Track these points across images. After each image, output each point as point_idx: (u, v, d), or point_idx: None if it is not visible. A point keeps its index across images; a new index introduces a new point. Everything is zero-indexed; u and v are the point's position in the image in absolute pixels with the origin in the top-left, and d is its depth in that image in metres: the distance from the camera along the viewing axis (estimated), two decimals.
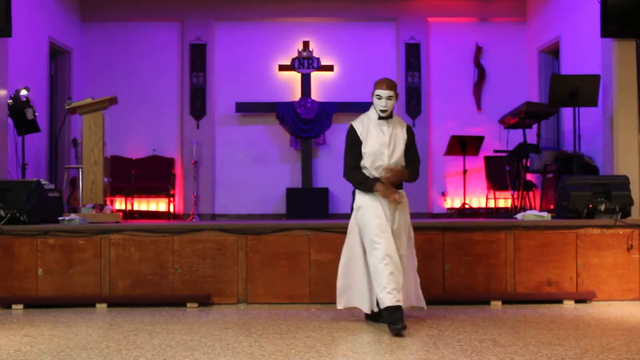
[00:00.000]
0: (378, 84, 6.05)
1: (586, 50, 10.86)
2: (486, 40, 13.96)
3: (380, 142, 5.99)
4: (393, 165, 5.98)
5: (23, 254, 7.43)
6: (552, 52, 12.93)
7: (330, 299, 7.13)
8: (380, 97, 6.00)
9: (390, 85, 6.04)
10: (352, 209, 6.17)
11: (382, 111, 6.00)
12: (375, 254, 5.79)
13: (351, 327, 5.94)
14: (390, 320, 5.59)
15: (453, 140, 12.48)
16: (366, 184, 5.99)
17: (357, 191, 6.13)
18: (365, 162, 6.02)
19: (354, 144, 6.05)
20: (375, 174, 5.99)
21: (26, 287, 7.42)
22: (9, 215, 7.69)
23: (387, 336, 5.50)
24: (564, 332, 5.71)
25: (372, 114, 6.12)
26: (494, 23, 14.09)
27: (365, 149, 5.99)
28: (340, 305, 6.10)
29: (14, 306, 7.27)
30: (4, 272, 7.40)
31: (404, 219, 6.08)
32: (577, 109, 9.48)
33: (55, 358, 4.81)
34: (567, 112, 11.29)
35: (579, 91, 9.36)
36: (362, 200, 6.06)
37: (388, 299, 5.64)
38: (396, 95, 6.06)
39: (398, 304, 5.64)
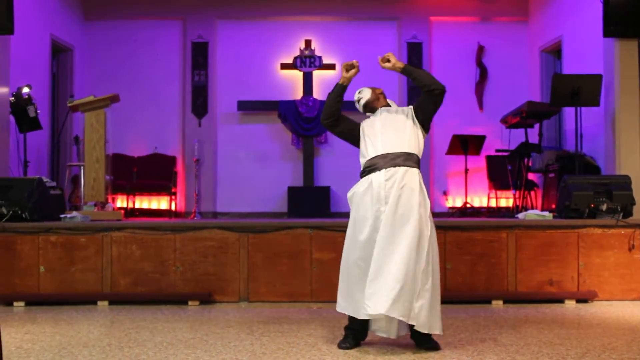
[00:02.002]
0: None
1: (588, 50, 10.85)
2: (488, 39, 13.94)
3: (374, 134, 5.27)
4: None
5: (25, 252, 7.44)
6: (554, 52, 12.93)
7: (331, 297, 7.12)
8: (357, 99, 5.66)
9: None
10: None
11: (358, 101, 5.64)
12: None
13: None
14: None
15: (455, 139, 12.47)
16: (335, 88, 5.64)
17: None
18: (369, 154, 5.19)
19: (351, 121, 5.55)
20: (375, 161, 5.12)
21: (28, 284, 7.43)
22: (10, 212, 7.71)
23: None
24: (566, 331, 5.71)
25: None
26: (496, 22, 14.08)
27: (366, 147, 5.25)
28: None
29: (15, 303, 7.28)
30: (6, 270, 7.41)
31: (409, 207, 4.93)
32: (579, 108, 9.49)
33: (57, 355, 4.82)
34: (569, 112, 11.28)
35: (580, 91, 9.36)
36: (354, 191, 5.20)
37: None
38: (377, 93, 5.65)
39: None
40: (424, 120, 5.41)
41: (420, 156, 5.24)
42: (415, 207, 4.95)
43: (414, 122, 5.36)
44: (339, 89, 5.61)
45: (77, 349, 5.04)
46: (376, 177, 5.04)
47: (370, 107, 5.58)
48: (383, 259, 4.85)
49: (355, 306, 5.01)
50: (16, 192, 7.82)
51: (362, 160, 5.26)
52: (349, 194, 5.25)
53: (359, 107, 5.65)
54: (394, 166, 5.05)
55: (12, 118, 9.93)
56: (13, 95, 9.89)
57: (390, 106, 5.60)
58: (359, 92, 5.69)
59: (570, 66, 11.71)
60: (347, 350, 4.98)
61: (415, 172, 5.08)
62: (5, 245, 7.45)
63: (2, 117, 9.38)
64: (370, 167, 5.12)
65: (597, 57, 10.12)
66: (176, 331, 5.76)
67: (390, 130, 5.26)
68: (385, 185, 4.99)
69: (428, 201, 5.11)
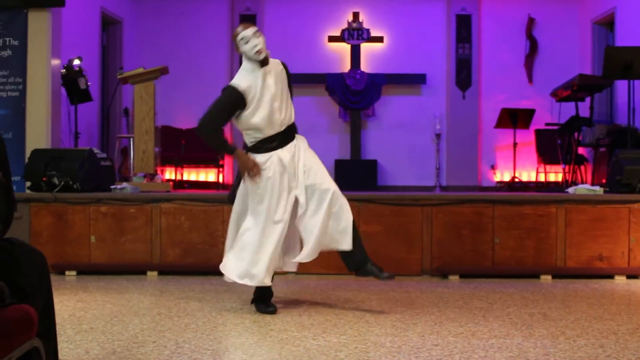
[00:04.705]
0: (236, 30, 5.28)
1: None
2: (539, 11, 13.73)
3: (271, 96, 5.27)
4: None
5: (76, 222, 7.56)
6: (607, 24, 12.69)
7: None
8: (247, 38, 5.20)
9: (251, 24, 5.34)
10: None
11: (259, 52, 5.19)
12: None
13: (400, 298, 5.95)
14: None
15: (503, 112, 12.35)
16: (227, 147, 5.40)
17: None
18: (259, 123, 5.24)
19: (232, 105, 5.27)
20: (271, 132, 5.28)
21: (79, 254, 7.54)
22: (62, 183, 7.82)
23: (437, 308, 5.50)
24: (616, 307, 5.65)
25: (250, 68, 5.30)
26: None
27: (258, 111, 5.23)
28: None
29: (67, 272, 7.41)
30: (58, 239, 7.54)
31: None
32: (631, 81, 9.31)
33: (109, 323, 4.90)
34: (621, 85, 11.09)
35: (634, 64, 9.18)
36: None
37: None
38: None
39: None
40: None
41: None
42: None
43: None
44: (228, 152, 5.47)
45: (128, 317, 5.12)
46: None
47: (260, 57, 5.26)
48: None
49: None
50: (68, 163, 7.93)
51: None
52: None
53: (248, 50, 5.22)
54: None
55: (63, 90, 10.05)
56: (64, 68, 10.00)
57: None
58: (247, 30, 5.24)
59: (624, 38, 11.50)
60: (393, 321, 4.98)
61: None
62: (58, 215, 7.57)
63: (54, 89, 9.48)
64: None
65: None
66: (225, 301, 5.82)
67: (284, 104, 5.43)
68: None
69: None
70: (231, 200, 5.48)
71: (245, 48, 5.23)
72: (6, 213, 3.09)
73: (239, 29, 5.28)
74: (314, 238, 5.26)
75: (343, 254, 5.41)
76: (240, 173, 5.37)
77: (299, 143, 5.48)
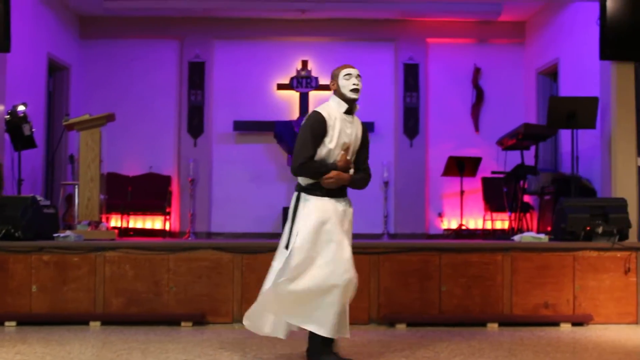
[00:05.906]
0: (344, 66, 5.38)
1: (585, 72, 10.86)
2: (485, 61, 13.96)
3: (343, 142, 5.18)
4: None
5: (17, 271, 7.38)
6: (551, 74, 12.94)
7: None
8: (350, 76, 5.28)
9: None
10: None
11: (356, 91, 5.22)
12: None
13: (347, 347, 5.89)
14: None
15: (450, 161, 12.46)
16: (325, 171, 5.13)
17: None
18: (326, 158, 5.19)
19: (318, 134, 5.19)
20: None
21: (20, 303, 7.35)
22: (3, 231, 7.65)
23: (383, 358, 5.46)
24: (561, 355, 5.66)
25: (335, 106, 5.30)
26: (492, 45, 14.10)
27: (331, 145, 5.16)
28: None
29: (6, 323, 7.21)
30: None
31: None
32: (575, 130, 9.47)
33: None
34: (565, 134, 11.28)
35: (577, 113, 9.35)
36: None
37: None
38: None
39: None
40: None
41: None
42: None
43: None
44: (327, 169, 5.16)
45: None
46: None
47: (355, 96, 5.27)
48: None
49: None
50: (10, 210, 7.77)
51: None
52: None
53: (346, 85, 5.26)
54: None
55: (7, 136, 9.89)
56: (8, 113, 9.86)
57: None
58: (353, 68, 5.38)
59: (567, 88, 11.72)
60: None
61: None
62: None
63: None
64: None
65: (594, 80, 10.12)
66: (169, 352, 5.71)
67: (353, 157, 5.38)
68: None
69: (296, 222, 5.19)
70: None
71: (343, 82, 5.23)
72: None
73: (344, 66, 5.35)
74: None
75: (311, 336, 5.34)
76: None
77: (350, 209, 5.28)
